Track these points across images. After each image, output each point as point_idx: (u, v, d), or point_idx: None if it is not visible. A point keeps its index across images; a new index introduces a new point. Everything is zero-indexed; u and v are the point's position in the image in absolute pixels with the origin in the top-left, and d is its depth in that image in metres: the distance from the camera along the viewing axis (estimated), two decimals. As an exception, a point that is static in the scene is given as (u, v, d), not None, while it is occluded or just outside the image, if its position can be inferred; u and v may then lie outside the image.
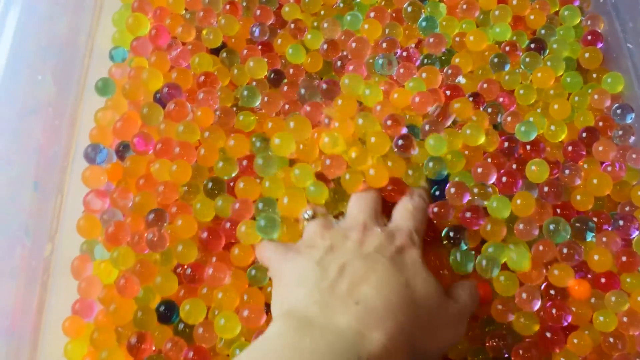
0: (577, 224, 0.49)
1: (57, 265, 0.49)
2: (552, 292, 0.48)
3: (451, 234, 0.48)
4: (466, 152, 0.51)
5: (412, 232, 0.44)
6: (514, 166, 0.51)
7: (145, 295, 0.46)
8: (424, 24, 0.57)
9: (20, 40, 0.51)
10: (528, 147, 0.52)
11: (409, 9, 0.57)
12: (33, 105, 0.53)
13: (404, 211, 0.46)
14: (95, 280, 0.47)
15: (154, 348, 0.46)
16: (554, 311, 0.47)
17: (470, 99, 0.53)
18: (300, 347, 0.33)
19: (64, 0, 0.58)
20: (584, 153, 0.52)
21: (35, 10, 0.54)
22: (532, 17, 0.58)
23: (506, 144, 0.52)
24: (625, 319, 0.47)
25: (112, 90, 0.54)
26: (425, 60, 0.55)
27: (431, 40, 0.56)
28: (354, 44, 0.55)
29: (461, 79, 0.55)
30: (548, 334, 0.47)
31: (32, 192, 0.51)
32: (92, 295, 0.47)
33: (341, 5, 0.59)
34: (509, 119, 0.53)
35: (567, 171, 0.51)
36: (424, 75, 0.54)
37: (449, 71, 0.55)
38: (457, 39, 0.57)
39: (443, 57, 0.56)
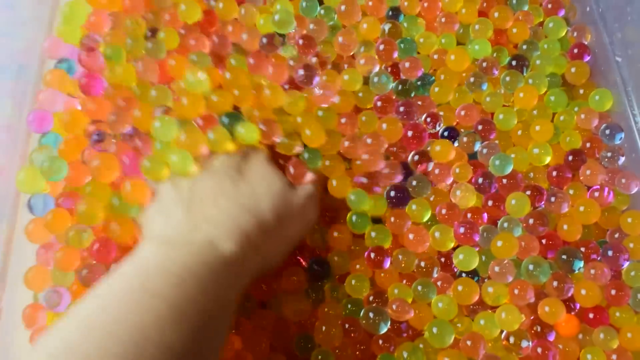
0: (564, 256, 0.46)
1: (8, 313, 0.46)
2: (537, 329, 0.46)
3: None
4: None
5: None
6: (490, 202, 0.48)
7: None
8: (402, 46, 0.53)
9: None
10: (504, 180, 0.49)
11: (386, 28, 0.54)
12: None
13: None
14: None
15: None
16: (539, 350, 0.45)
17: (446, 133, 0.50)
18: (169, 256, 0.38)
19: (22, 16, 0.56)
20: (570, 176, 0.49)
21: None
22: (514, 30, 0.54)
23: (480, 180, 0.49)
24: (614, 357, 0.44)
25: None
26: (400, 87, 0.52)
27: (407, 64, 0.52)
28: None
29: (439, 125, 0.51)
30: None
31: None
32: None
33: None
34: (484, 151, 0.50)
35: (552, 198, 0.48)
36: (384, 126, 0.49)
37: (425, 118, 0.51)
38: (436, 56, 0.53)
39: (418, 83, 0.52)
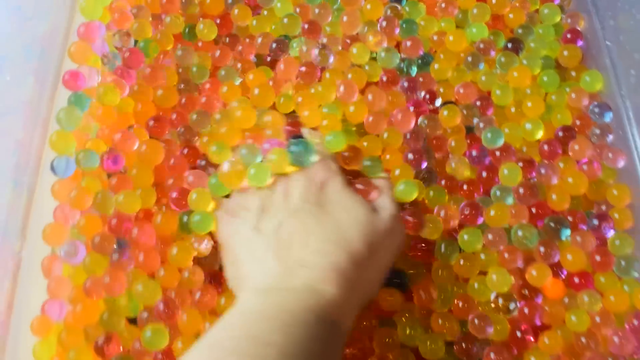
0: (552, 224, 0.49)
1: (28, 263, 0.49)
2: (525, 292, 0.48)
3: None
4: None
5: (328, 161, 0.47)
6: (484, 174, 0.51)
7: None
8: (403, 26, 0.56)
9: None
10: (497, 152, 0.52)
11: (388, 11, 0.57)
12: (13, 105, 0.54)
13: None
14: (65, 280, 0.47)
15: (121, 348, 0.46)
16: (526, 310, 0.47)
17: (445, 113, 0.52)
18: (270, 301, 0.38)
19: (44, 1, 0.59)
20: (560, 152, 0.52)
21: (17, 10, 0.54)
22: (511, 15, 0.57)
23: (474, 152, 0.51)
24: (598, 319, 0.47)
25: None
26: (402, 64, 0.55)
27: (408, 43, 0.55)
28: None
29: (438, 102, 0.54)
30: (519, 334, 0.47)
31: (12, 190, 0.51)
32: (62, 295, 0.47)
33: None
34: (481, 124, 0.52)
35: (543, 170, 0.50)
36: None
37: (422, 93, 0.54)
38: (436, 37, 0.56)
39: (419, 61, 0.55)
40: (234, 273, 0.45)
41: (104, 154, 0.49)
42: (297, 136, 0.49)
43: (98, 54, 0.55)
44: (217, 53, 0.55)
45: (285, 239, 0.42)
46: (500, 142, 0.51)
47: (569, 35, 0.57)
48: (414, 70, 0.55)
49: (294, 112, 0.52)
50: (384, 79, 0.53)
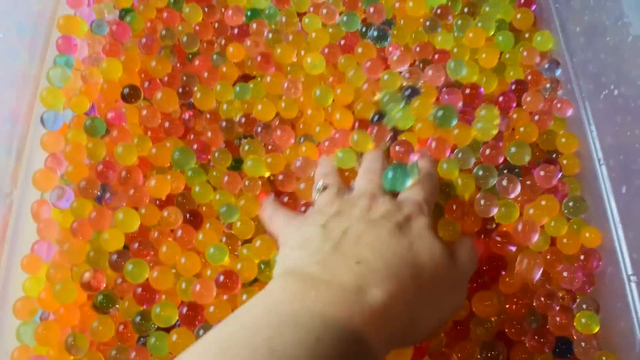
0: (505, 171, 0.53)
1: (18, 208, 0.53)
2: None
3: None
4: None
5: (421, 203, 0.43)
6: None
7: (97, 237, 0.50)
8: None
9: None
10: (467, 90, 0.55)
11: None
12: (6, 77, 0.58)
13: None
14: (53, 222, 0.51)
15: (104, 284, 0.49)
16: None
17: (420, 65, 0.56)
18: (305, 297, 0.33)
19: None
20: (515, 105, 0.56)
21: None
22: (467, -18, 0.61)
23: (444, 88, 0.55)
24: (549, 257, 0.50)
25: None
26: (364, 29, 0.59)
27: (371, 10, 0.59)
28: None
29: (396, 53, 0.57)
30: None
31: (6, 156, 0.55)
32: (50, 236, 0.51)
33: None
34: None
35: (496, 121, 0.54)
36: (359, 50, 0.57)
37: (390, 48, 0.58)
38: (397, 4, 0.60)
39: (375, 34, 0.59)
40: (281, 248, 0.42)
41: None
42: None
43: (87, 21, 0.59)
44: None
45: (350, 236, 0.39)
46: (464, 72, 0.55)
47: (522, 0, 0.61)
48: (374, 34, 0.58)
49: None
50: (342, 42, 0.58)
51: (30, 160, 0.55)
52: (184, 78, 0.56)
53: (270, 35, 0.58)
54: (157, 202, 0.52)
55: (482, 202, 0.49)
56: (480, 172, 0.51)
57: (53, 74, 0.54)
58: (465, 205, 0.50)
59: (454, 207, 0.49)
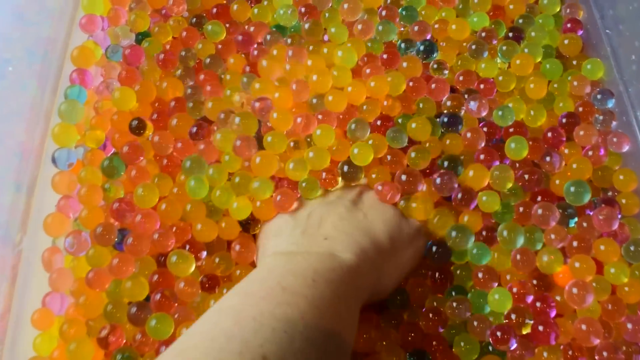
0: (559, 211, 0.48)
1: (27, 257, 0.48)
2: (534, 282, 0.47)
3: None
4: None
5: (368, 185, 0.50)
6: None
7: (115, 288, 0.45)
8: (403, 12, 0.56)
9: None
10: (511, 129, 0.51)
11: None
12: (16, 108, 0.53)
13: None
14: (67, 272, 0.46)
15: (124, 341, 0.45)
16: (538, 305, 0.46)
17: (466, 95, 0.52)
18: (294, 261, 0.39)
19: (49, 6, 0.59)
20: (564, 139, 0.52)
21: (21, 15, 0.55)
22: (511, 6, 0.57)
23: (485, 130, 0.51)
24: (609, 307, 0.46)
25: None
26: (403, 45, 0.55)
27: (415, 28, 0.55)
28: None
29: (445, 73, 0.54)
30: (540, 327, 0.45)
31: (14, 192, 0.51)
32: (63, 288, 0.46)
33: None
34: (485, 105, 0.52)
35: (547, 158, 0.50)
36: (404, 64, 0.53)
37: (435, 65, 0.54)
38: (437, 26, 0.56)
39: (422, 47, 0.55)
40: (260, 248, 0.47)
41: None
42: None
43: (100, 46, 0.55)
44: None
45: (315, 220, 0.45)
46: (511, 120, 0.51)
47: (569, 25, 0.57)
48: (420, 47, 0.55)
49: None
50: (384, 57, 0.54)
51: (40, 202, 0.50)
52: (189, 91, 0.52)
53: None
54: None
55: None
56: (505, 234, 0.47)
57: (65, 109, 0.50)
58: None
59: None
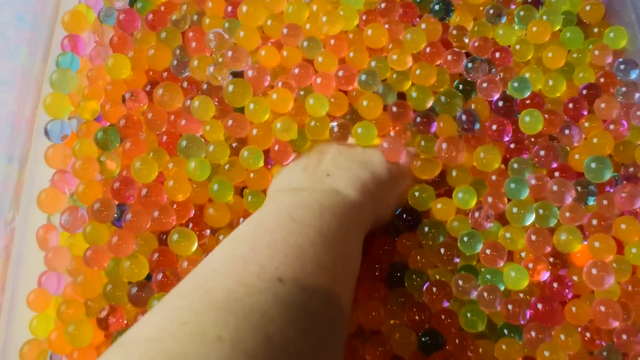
0: (578, 188, 0.46)
1: (21, 235, 0.46)
2: (551, 260, 0.45)
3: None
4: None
5: None
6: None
7: (115, 266, 0.43)
8: None
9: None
10: (528, 101, 0.49)
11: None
12: (6, 76, 0.50)
13: None
14: (63, 250, 0.44)
15: (125, 322, 0.43)
16: (555, 285, 0.44)
17: (470, 64, 0.49)
18: (300, 195, 0.41)
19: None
20: (586, 112, 0.49)
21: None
22: (529, -32, 0.54)
23: (501, 103, 0.49)
24: (629, 288, 0.44)
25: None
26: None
27: None
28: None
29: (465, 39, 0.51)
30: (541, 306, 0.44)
31: (6, 164, 0.48)
32: (60, 267, 0.44)
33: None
34: (501, 75, 0.49)
35: (566, 131, 0.48)
36: (423, 26, 0.50)
37: (454, 31, 0.51)
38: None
39: (437, 7, 0.52)
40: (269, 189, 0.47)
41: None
42: None
43: (93, 9, 0.52)
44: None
45: (314, 157, 0.47)
46: (528, 93, 0.49)
47: (590, -11, 0.54)
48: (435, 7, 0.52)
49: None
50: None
51: (33, 177, 0.48)
52: (178, 52, 0.49)
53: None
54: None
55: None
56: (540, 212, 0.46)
57: (57, 78, 0.47)
58: None
59: None
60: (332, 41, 0.49)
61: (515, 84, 0.49)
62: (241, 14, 0.48)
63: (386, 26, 0.50)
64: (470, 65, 0.49)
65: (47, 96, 0.47)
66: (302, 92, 0.48)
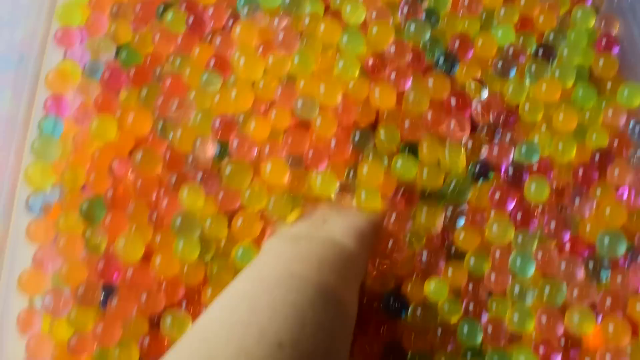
0: (591, 263, 0.44)
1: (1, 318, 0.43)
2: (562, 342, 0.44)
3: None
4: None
5: None
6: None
7: (102, 356, 0.41)
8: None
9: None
10: (534, 167, 0.47)
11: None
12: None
13: None
14: (45, 338, 0.41)
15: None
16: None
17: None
18: (303, 251, 0.40)
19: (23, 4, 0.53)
20: (596, 177, 0.47)
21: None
22: (541, 18, 0.51)
23: (511, 171, 0.46)
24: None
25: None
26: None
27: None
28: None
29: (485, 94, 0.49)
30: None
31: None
32: (42, 356, 0.41)
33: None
34: (508, 137, 0.47)
35: (577, 199, 0.45)
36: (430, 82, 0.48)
37: (473, 84, 0.49)
38: (457, 42, 0.50)
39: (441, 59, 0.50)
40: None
41: None
42: None
43: (78, 62, 0.48)
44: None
45: (311, 205, 0.45)
46: (536, 158, 0.47)
47: (603, 42, 0.51)
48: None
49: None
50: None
51: (13, 254, 0.44)
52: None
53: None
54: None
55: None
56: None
57: (39, 146, 0.44)
58: None
59: None
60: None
61: (524, 149, 0.46)
62: (237, 67, 0.45)
63: (392, 75, 0.47)
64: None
65: (28, 166, 0.44)
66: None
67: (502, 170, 0.47)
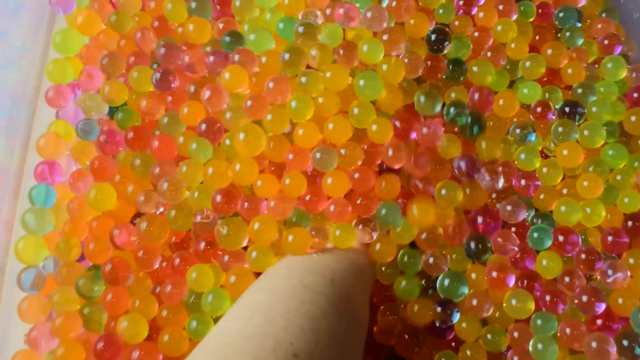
0: (625, 341, 0.41)
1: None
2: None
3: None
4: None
5: None
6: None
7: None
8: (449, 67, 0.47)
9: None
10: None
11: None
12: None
13: None
14: None
15: None
16: None
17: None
18: (315, 265, 0.40)
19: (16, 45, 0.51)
20: (627, 242, 0.44)
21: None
22: (569, 70, 0.48)
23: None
24: None
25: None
26: (452, 111, 0.46)
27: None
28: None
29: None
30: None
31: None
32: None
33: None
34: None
35: (610, 271, 0.43)
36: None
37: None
38: (477, 96, 0.46)
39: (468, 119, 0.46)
40: None
41: None
42: None
43: (71, 119, 0.45)
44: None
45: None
46: (549, 243, 0.44)
47: (635, 95, 0.48)
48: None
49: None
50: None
51: (4, 336, 0.41)
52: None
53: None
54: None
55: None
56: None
57: (30, 219, 0.40)
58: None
59: None
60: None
61: (535, 235, 0.44)
62: (238, 142, 0.42)
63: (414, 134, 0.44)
64: None
65: (19, 240, 0.41)
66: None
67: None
